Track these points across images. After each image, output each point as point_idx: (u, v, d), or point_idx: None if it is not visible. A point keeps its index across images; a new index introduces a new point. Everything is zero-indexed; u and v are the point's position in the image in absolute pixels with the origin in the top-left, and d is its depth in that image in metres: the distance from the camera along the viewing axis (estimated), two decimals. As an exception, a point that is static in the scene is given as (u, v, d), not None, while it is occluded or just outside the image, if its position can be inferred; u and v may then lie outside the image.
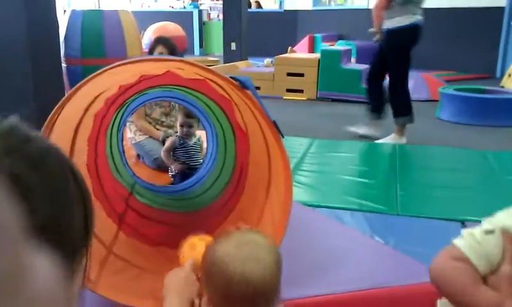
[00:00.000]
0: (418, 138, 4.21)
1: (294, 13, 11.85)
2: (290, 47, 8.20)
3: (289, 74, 6.37)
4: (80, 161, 1.45)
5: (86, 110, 1.34)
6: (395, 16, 3.73)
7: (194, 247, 1.30)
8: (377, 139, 3.97)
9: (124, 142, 2.14)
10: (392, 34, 3.77)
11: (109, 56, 5.21)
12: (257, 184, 1.49)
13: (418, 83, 6.49)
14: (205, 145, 2.62)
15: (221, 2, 8.80)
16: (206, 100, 1.72)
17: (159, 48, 3.00)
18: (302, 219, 1.83)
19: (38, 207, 0.43)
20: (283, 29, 11.91)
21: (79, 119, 1.34)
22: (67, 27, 5.31)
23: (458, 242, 0.91)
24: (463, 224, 2.23)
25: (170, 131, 2.93)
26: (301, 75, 6.30)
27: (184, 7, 13.58)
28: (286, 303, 1.16)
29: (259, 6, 12.89)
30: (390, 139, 3.93)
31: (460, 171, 3.08)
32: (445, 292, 0.90)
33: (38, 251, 0.28)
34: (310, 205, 2.38)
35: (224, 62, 8.38)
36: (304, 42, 9.80)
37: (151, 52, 3.05)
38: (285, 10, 12.12)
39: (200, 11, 13.29)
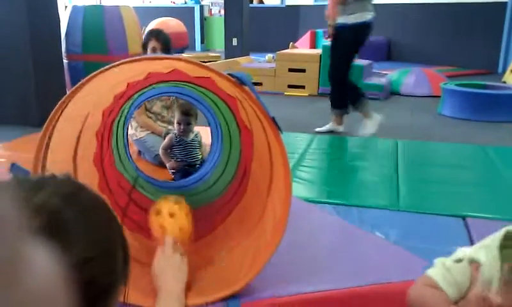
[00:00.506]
0: (419, 134, 4.21)
1: (296, 8, 11.81)
2: (291, 43, 8.20)
3: (291, 70, 6.36)
4: (86, 156, 1.45)
5: (91, 108, 1.34)
6: (350, 12, 3.75)
7: (159, 212, 1.34)
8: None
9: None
10: (346, 29, 3.77)
11: (110, 52, 5.21)
12: (260, 181, 1.49)
13: (420, 79, 6.48)
14: (205, 141, 2.62)
15: (223, -3, 8.79)
16: (212, 97, 1.72)
17: (152, 43, 2.91)
18: (303, 215, 1.83)
19: (88, 248, 0.52)
20: (285, 25, 11.89)
21: (84, 117, 1.34)
22: (68, 23, 5.31)
23: (430, 271, 1.02)
24: (464, 219, 2.23)
25: (171, 127, 2.91)
26: (303, 70, 6.29)
27: (185, 3, 13.56)
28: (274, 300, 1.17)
29: (261, 1, 12.86)
30: (327, 128, 4.08)
31: (462, 166, 3.07)
32: None
33: (38, 249, 0.29)
34: (311, 201, 2.38)
35: (226, 58, 8.38)
36: (305, 38, 9.77)
37: (144, 46, 2.97)
38: (286, 5, 12.09)
39: (202, 7, 13.27)
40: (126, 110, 1.77)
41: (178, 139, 2.55)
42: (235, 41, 8.77)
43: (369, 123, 3.98)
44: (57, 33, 4.61)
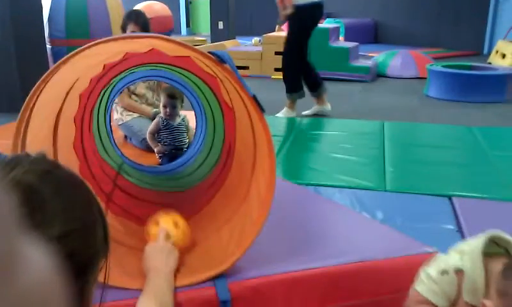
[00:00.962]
0: (406, 115, 4.23)
1: (282, -9, 11.70)
2: (278, 26, 8.13)
3: (277, 53, 6.31)
4: (66, 142, 1.43)
5: (69, 91, 1.32)
6: None
7: (157, 222, 1.36)
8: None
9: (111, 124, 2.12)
10: (301, 10, 3.78)
11: (94, 36, 5.12)
12: (244, 161, 1.49)
13: (406, 60, 6.49)
14: (191, 125, 2.60)
15: (208, -20, 8.68)
16: (194, 78, 1.70)
17: (131, 27, 2.83)
18: (288, 195, 1.83)
19: (66, 222, 0.53)
20: (271, 8, 11.79)
21: (61, 101, 1.32)
22: (51, 7, 5.22)
23: (418, 287, 1.05)
24: (450, 199, 2.25)
25: (157, 110, 2.86)
26: (290, 53, 6.25)
27: (170, -13, 13.37)
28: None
29: (246, -16, 12.72)
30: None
31: (448, 147, 3.10)
32: None
33: (33, 244, 0.28)
34: (298, 183, 2.39)
35: (212, 42, 8.30)
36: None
37: (123, 28, 2.90)
38: (272, -12, 11.97)
39: (187, -10, 13.11)
40: (106, 97, 1.74)
41: (165, 123, 2.53)
42: (221, 25, 8.68)
43: (287, 111, 4.04)
44: (40, 18, 4.53)
